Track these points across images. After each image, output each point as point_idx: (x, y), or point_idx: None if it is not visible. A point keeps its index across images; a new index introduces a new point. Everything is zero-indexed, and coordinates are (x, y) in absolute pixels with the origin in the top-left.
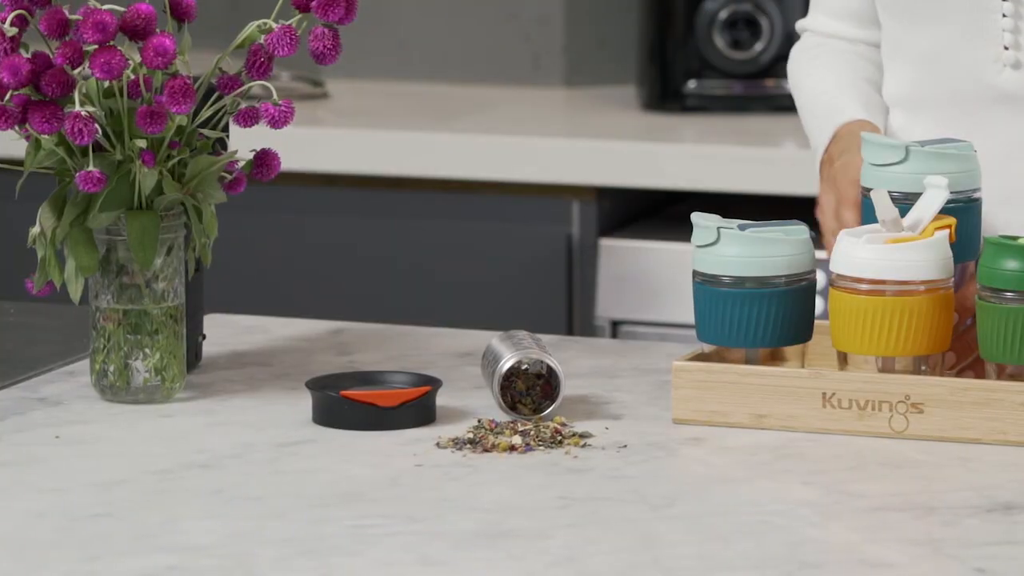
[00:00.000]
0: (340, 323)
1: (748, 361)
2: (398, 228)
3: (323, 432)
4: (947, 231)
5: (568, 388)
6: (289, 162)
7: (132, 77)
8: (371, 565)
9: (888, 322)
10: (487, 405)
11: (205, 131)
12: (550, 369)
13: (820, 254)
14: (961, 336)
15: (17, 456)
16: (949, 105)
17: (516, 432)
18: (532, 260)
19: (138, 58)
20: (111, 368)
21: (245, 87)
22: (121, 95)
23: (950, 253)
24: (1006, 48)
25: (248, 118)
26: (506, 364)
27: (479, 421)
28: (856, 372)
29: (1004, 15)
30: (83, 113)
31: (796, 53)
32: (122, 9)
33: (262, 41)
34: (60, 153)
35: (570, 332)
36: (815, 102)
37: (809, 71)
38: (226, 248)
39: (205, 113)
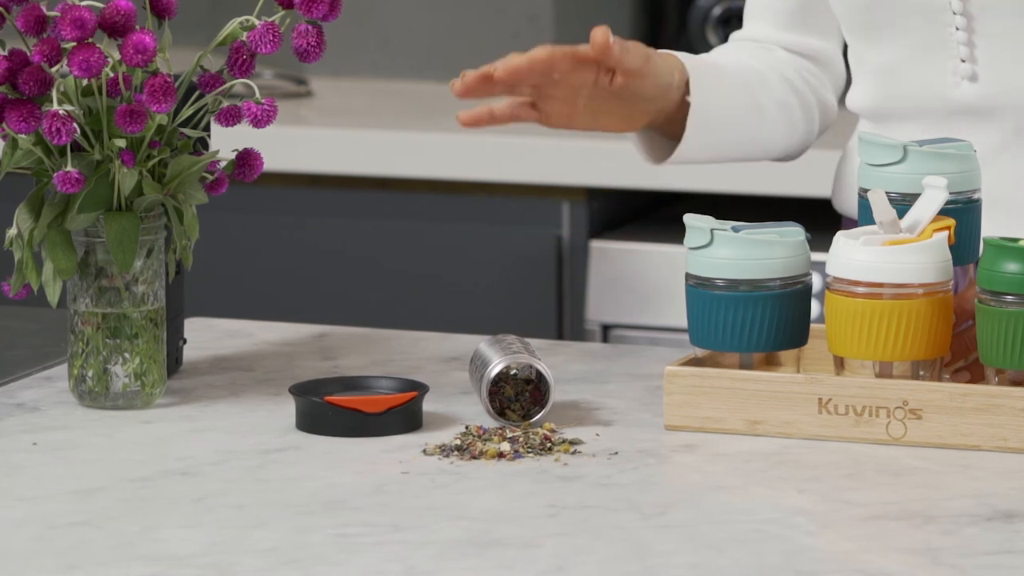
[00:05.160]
0: (324, 327)
1: (742, 366)
2: (384, 229)
3: (307, 439)
4: (946, 233)
5: (558, 393)
6: (272, 162)
7: (111, 75)
8: (356, 574)
9: (886, 326)
10: (475, 411)
11: (186, 130)
12: (539, 374)
13: (817, 256)
14: (959, 335)
15: None
16: (912, 119)
17: (504, 439)
18: (521, 262)
19: (117, 55)
20: (90, 373)
21: (227, 85)
22: (100, 93)
23: (949, 255)
24: (963, 61)
25: (230, 117)
26: (494, 369)
27: (467, 427)
28: (853, 377)
29: (957, 28)
30: (61, 112)
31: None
32: (101, 5)
33: (244, 38)
34: (38, 153)
35: (560, 336)
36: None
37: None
38: (207, 250)
39: (186, 112)
